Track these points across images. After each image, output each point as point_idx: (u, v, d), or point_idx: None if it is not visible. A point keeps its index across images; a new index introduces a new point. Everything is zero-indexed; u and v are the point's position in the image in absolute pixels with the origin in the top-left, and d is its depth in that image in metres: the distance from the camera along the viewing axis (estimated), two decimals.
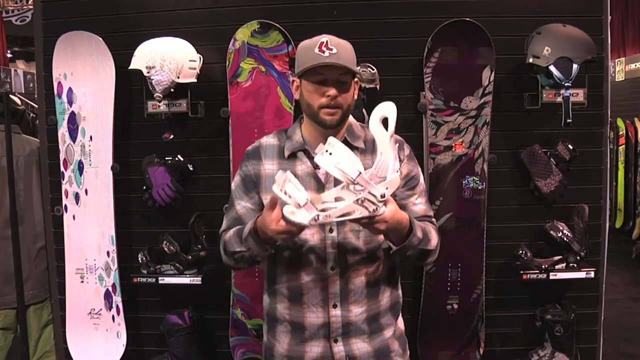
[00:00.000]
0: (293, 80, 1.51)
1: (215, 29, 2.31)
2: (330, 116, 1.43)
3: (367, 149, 1.52)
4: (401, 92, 2.27)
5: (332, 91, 1.41)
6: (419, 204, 1.53)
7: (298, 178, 1.45)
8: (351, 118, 1.56)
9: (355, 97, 1.52)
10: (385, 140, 1.28)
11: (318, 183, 1.47)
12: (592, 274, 2.22)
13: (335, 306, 1.47)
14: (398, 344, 1.56)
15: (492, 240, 2.28)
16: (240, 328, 2.32)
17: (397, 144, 1.53)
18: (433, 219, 1.56)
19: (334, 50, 1.39)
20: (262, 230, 1.34)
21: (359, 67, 2.12)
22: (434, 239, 1.49)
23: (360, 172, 1.25)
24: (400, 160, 1.51)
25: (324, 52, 1.39)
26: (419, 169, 1.57)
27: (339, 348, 1.48)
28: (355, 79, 1.51)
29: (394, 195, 1.48)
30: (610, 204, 3.75)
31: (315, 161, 1.28)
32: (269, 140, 1.56)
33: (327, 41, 1.41)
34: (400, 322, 1.61)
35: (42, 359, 2.55)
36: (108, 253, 2.32)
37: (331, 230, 1.46)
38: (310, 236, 1.46)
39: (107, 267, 2.33)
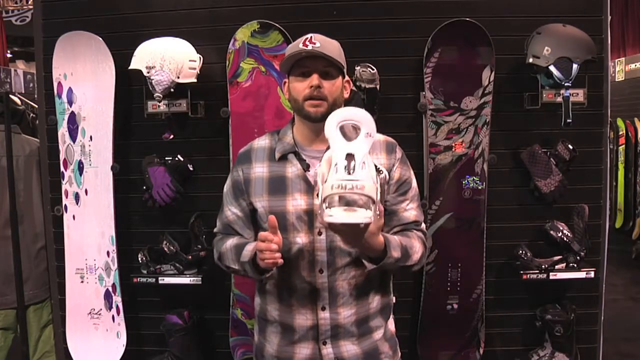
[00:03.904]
0: (285, 81, 1.52)
1: (215, 29, 2.31)
2: (314, 108, 1.43)
3: None
4: (401, 92, 2.27)
5: (315, 78, 1.42)
6: (410, 209, 1.52)
7: (287, 180, 1.46)
8: None
9: (346, 95, 1.52)
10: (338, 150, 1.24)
11: (308, 185, 1.46)
12: (592, 274, 2.22)
13: (323, 309, 1.47)
14: (388, 345, 1.56)
15: (492, 240, 2.28)
16: (240, 328, 2.32)
17: (388, 147, 1.53)
18: (422, 225, 1.55)
19: (317, 44, 1.42)
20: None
21: (358, 67, 2.13)
22: (417, 253, 1.47)
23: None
24: (392, 165, 1.51)
25: (307, 45, 1.42)
26: (412, 173, 1.56)
27: (327, 350, 1.48)
28: (346, 78, 1.51)
29: (385, 200, 1.49)
30: (610, 204, 3.75)
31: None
32: (260, 143, 1.56)
33: (311, 36, 1.44)
34: (391, 324, 1.60)
35: (42, 359, 2.55)
36: (108, 253, 2.32)
37: (320, 233, 1.45)
38: (300, 239, 1.46)
39: (107, 267, 2.33)
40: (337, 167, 1.21)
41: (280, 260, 1.35)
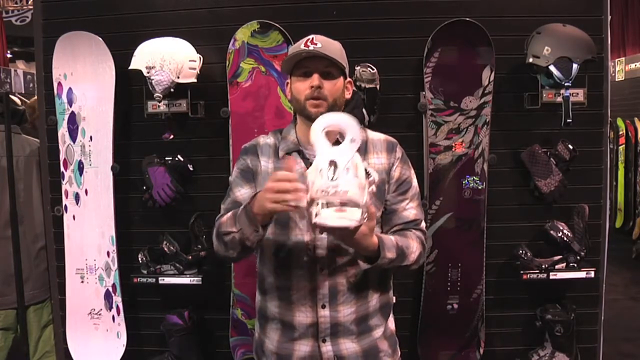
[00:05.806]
0: (287, 82, 1.53)
1: (215, 29, 2.31)
2: (315, 108, 1.44)
3: (360, 149, 1.51)
4: (401, 92, 2.27)
5: (315, 78, 1.43)
6: (409, 208, 1.53)
7: None
8: None
9: (348, 96, 1.53)
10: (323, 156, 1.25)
11: None
12: (592, 274, 2.22)
13: (324, 307, 1.47)
14: (388, 344, 1.56)
15: (492, 240, 2.28)
16: (240, 328, 2.32)
17: (389, 146, 1.54)
18: (422, 224, 1.55)
19: (319, 45, 1.43)
20: (257, 204, 1.31)
21: (358, 67, 2.13)
22: (414, 253, 1.48)
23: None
24: (392, 164, 1.52)
25: (308, 46, 1.43)
26: (412, 172, 1.57)
27: (327, 348, 1.48)
28: (348, 79, 1.52)
29: (385, 200, 1.50)
30: (610, 204, 3.75)
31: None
32: (266, 140, 1.57)
33: (312, 37, 1.46)
34: (391, 322, 1.60)
35: (43, 359, 2.55)
36: (108, 253, 2.32)
37: (321, 232, 1.45)
38: (301, 237, 1.46)
39: (107, 267, 2.33)
40: (322, 172, 1.24)
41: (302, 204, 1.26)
